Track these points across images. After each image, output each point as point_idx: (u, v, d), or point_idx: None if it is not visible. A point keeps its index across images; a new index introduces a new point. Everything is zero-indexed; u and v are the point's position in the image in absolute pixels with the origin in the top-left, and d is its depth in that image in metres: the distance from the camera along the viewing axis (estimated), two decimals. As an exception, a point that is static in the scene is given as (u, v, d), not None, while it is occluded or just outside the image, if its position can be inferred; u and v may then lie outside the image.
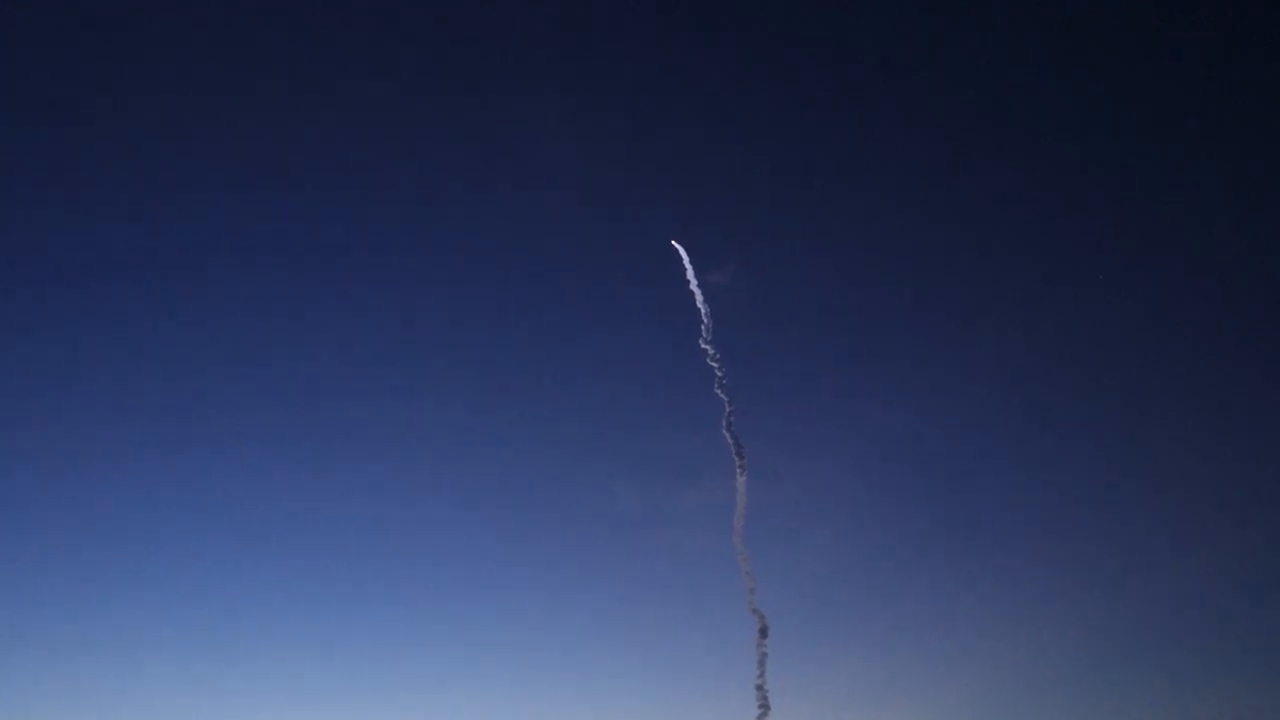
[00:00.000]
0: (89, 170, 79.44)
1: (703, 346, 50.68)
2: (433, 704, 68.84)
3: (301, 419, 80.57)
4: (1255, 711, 61.26)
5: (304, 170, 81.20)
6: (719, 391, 50.26)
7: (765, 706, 46.25)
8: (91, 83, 77.89)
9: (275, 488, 78.89)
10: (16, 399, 76.16)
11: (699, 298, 50.96)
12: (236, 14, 76.38)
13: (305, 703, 69.16)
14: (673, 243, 51.62)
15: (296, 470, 79.47)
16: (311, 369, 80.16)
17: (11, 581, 71.22)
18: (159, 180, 79.85)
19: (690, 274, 51.07)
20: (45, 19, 74.46)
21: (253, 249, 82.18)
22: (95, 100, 78.00)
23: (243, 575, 76.24)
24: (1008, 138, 79.14)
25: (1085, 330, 76.60)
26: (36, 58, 75.48)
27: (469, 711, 67.72)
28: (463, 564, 77.00)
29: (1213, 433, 74.18)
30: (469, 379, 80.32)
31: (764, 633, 46.89)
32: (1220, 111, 75.19)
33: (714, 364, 50.47)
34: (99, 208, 79.31)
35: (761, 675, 46.60)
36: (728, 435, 49.68)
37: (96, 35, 76.00)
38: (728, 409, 49.90)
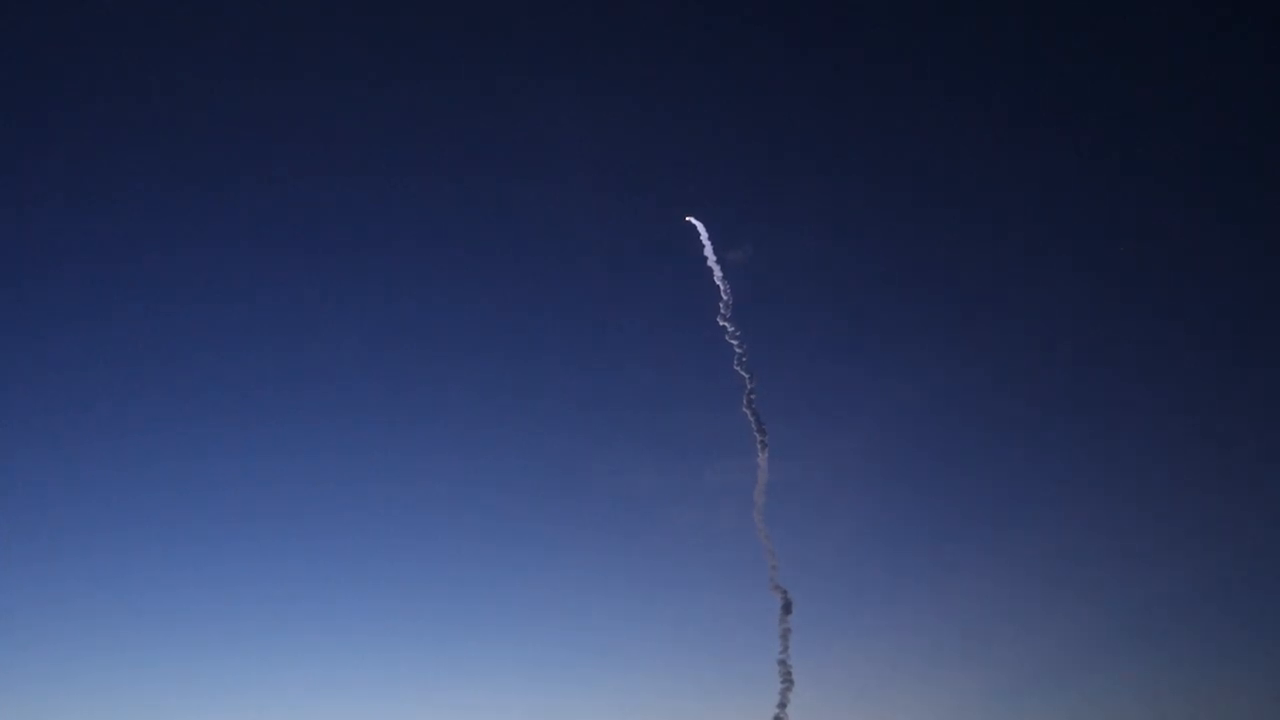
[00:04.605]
0: (96, 163, 79.98)
1: (721, 324, 50.54)
2: (455, 684, 69.56)
3: (325, 404, 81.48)
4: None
5: (321, 162, 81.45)
6: (739, 369, 50.10)
7: (789, 681, 46.41)
8: (99, 74, 78.27)
9: (298, 468, 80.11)
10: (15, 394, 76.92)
11: (717, 274, 50.71)
12: (248, 4, 76.51)
13: (313, 690, 70.16)
14: (689, 219, 51.38)
15: (315, 452, 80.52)
16: (335, 355, 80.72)
17: (12, 581, 72.10)
18: (172, 172, 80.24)
19: (708, 250, 50.80)
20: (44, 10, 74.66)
21: (271, 241, 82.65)
22: (106, 93, 78.35)
23: (269, 556, 77.30)
24: (1028, 118, 78.21)
25: (1109, 309, 75.96)
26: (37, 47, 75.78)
27: (492, 692, 68.32)
28: (484, 546, 77.43)
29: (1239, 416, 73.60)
30: (487, 360, 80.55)
31: (787, 608, 46.92)
32: (1225, 103, 74.12)
33: (733, 341, 50.32)
34: (107, 200, 79.76)
35: (785, 650, 46.73)
36: (748, 412, 49.50)
37: (100, 25, 76.16)
38: (748, 386, 49.76)
